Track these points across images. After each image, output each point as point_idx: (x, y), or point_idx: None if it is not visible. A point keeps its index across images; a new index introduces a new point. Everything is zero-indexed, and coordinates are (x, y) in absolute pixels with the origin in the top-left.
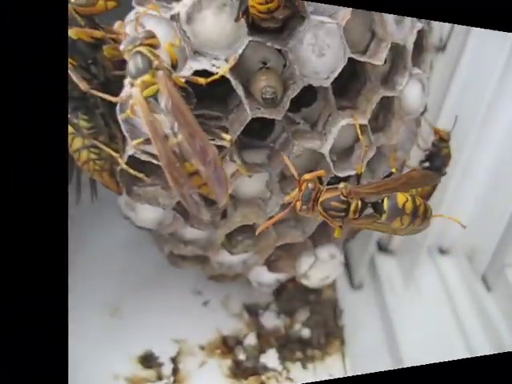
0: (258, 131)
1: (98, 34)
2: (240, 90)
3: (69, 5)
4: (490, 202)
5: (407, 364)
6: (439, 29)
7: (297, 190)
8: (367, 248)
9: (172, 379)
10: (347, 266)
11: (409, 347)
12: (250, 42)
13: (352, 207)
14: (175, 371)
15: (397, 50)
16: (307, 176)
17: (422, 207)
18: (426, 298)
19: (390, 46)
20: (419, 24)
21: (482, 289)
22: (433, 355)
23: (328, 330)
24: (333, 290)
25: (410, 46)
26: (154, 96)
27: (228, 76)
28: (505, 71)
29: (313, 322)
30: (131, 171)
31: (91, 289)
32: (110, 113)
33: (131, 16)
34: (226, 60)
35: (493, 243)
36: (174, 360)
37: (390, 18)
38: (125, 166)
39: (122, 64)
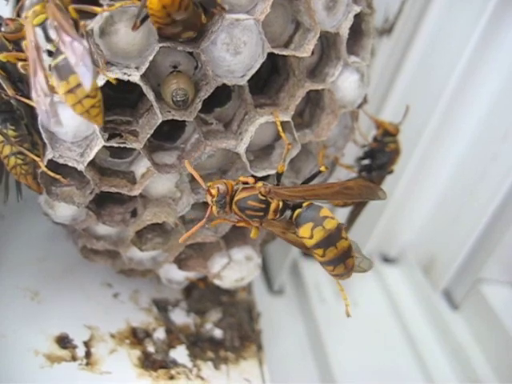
0: (168, 133)
1: (23, 55)
2: (151, 95)
3: None
4: (457, 205)
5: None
6: (384, 9)
7: (208, 196)
8: (289, 251)
9: (85, 361)
10: (265, 269)
11: (343, 366)
12: (160, 48)
13: (272, 207)
14: (88, 354)
15: (328, 39)
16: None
17: (344, 242)
18: (365, 312)
19: (318, 35)
20: (356, 7)
21: (444, 306)
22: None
23: (243, 334)
24: (248, 292)
25: (344, 32)
26: (43, 25)
27: (139, 82)
28: (471, 53)
29: (226, 323)
30: (50, 173)
31: (15, 275)
32: (32, 123)
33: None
34: (137, 68)
35: (459, 254)
36: (86, 344)
37: (318, 5)
38: (45, 169)
39: None
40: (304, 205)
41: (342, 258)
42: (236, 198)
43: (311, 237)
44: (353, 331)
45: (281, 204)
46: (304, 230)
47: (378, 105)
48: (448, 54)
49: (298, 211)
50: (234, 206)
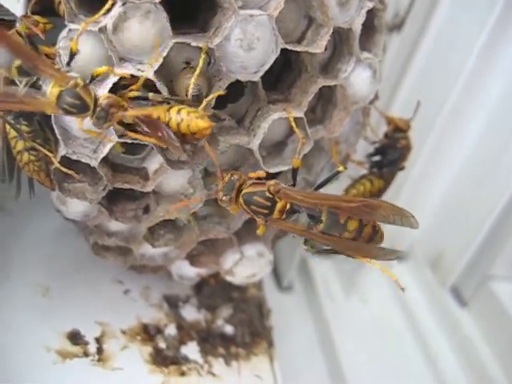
0: None
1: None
2: (164, 91)
3: None
4: (465, 201)
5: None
6: (394, 4)
7: (220, 180)
8: (298, 248)
9: (97, 357)
10: (274, 266)
11: (352, 362)
12: (174, 44)
13: (278, 206)
14: (100, 350)
15: (340, 35)
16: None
17: (368, 228)
18: (373, 308)
19: (331, 31)
20: (369, 3)
21: (452, 303)
22: (385, 381)
23: (253, 330)
24: (258, 289)
25: (356, 28)
26: None
27: (152, 78)
28: (482, 49)
29: (236, 319)
30: (63, 169)
31: (26, 272)
32: (44, 119)
33: (64, 33)
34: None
35: (467, 250)
36: (98, 340)
37: (331, 1)
38: (58, 165)
39: None
40: (323, 214)
41: (370, 241)
42: (243, 192)
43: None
44: (361, 328)
45: (288, 205)
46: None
47: (388, 100)
48: (458, 49)
49: (320, 226)
50: (240, 199)
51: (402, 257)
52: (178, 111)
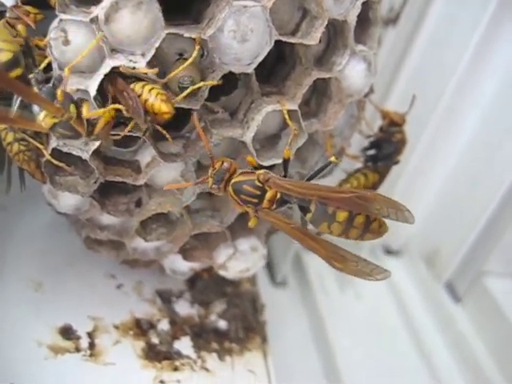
0: (173, 121)
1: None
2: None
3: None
4: (460, 197)
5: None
6: None
7: (211, 167)
8: (292, 243)
9: (89, 352)
10: (268, 261)
11: (346, 357)
12: (166, 35)
13: (267, 196)
14: (92, 346)
15: (335, 27)
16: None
17: (360, 218)
18: (368, 304)
19: (326, 23)
20: None
21: (447, 298)
22: (379, 377)
23: (247, 325)
24: (252, 283)
25: (351, 20)
26: None
27: (146, 70)
28: (477, 44)
29: (230, 314)
30: (54, 161)
31: (18, 266)
32: None
33: (55, 23)
34: (143, 55)
35: (462, 246)
36: (90, 335)
37: None
38: (49, 157)
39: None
40: (312, 204)
41: (365, 230)
42: (233, 181)
43: (331, 232)
44: (356, 323)
45: (278, 195)
46: (322, 229)
47: (383, 94)
48: (453, 46)
49: (308, 216)
50: (229, 188)
51: (387, 277)
52: (150, 90)
